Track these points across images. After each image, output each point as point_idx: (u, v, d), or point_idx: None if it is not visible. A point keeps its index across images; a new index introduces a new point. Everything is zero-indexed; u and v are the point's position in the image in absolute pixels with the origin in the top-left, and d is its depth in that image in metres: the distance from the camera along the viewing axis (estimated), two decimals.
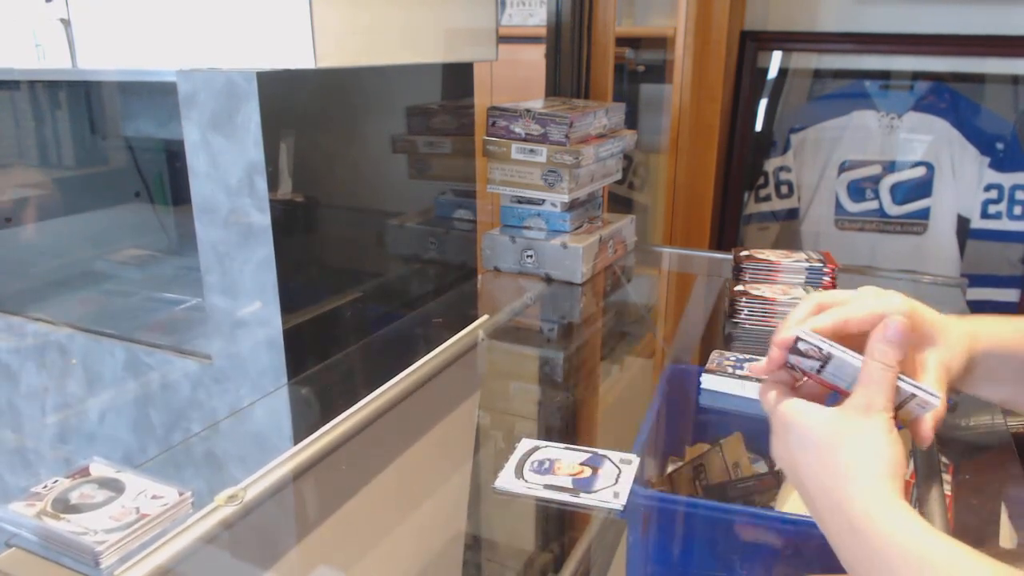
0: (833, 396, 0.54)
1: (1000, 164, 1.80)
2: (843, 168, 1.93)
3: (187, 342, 1.11)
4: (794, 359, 0.53)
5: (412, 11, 0.99)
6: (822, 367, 0.52)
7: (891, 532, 0.43)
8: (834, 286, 1.12)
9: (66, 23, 0.95)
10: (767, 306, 1.06)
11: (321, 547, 0.70)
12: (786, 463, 0.52)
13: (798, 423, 0.50)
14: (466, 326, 1.07)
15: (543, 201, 1.25)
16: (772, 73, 1.97)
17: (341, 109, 1.03)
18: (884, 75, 1.87)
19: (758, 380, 0.57)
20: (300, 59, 0.83)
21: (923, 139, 1.85)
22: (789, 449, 0.51)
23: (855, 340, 0.52)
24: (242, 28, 0.84)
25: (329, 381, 0.99)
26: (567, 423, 0.94)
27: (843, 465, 0.47)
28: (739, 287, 1.10)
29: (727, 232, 2.05)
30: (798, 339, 0.52)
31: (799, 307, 0.56)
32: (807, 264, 1.12)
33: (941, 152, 1.84)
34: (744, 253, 1.17)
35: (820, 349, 0.51)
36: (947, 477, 0.72)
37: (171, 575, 0.59)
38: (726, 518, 0.73)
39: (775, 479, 0.86)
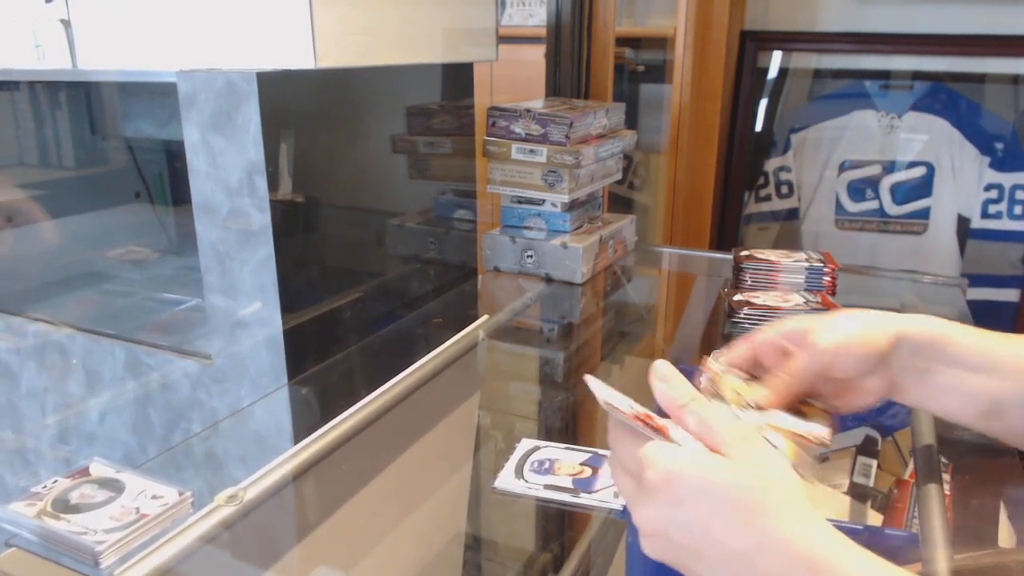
0: None
1: (1000, 164, 1.80)
2: (843, 168, 1.93)
3: (187, 342, 1.11)
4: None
5: (412, 11, 0.99)
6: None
7: (858, 569, 0.40)
8: (834, 286, 1.12)
9: (66, 23, 0.95)
10: (769, 315, 1.06)
11: (321, 547, 0.70)
12: (683, 526, 0.42)
13: (692, 475, 0.42)
14: (466, 326, 1.07)
15: (543, 201, 1.25)
16: (772, 73, 1.97)
17: (341, 109, 1.03)
18: (884, 75, 1.87)
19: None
20: (300, 59, 0.83)
21: (923, 139, 1.85)
22: (689, 508, 0.42)
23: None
24: (242, 28, 0.84)
25: (329, 381, 0.99)
26: (567, 423, 0.94)
27: (779, 507, 0.41)
28: (738, 296, 1.10)
29: (727, 232, 2.05)
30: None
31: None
32: (807, 264, 1.12)
33: (941, 152, 1.84)
34: (744, 253, 1.17)
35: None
36: (946, 477, 0.72)
37: (171, 575, 0.59)
38: None
39: None
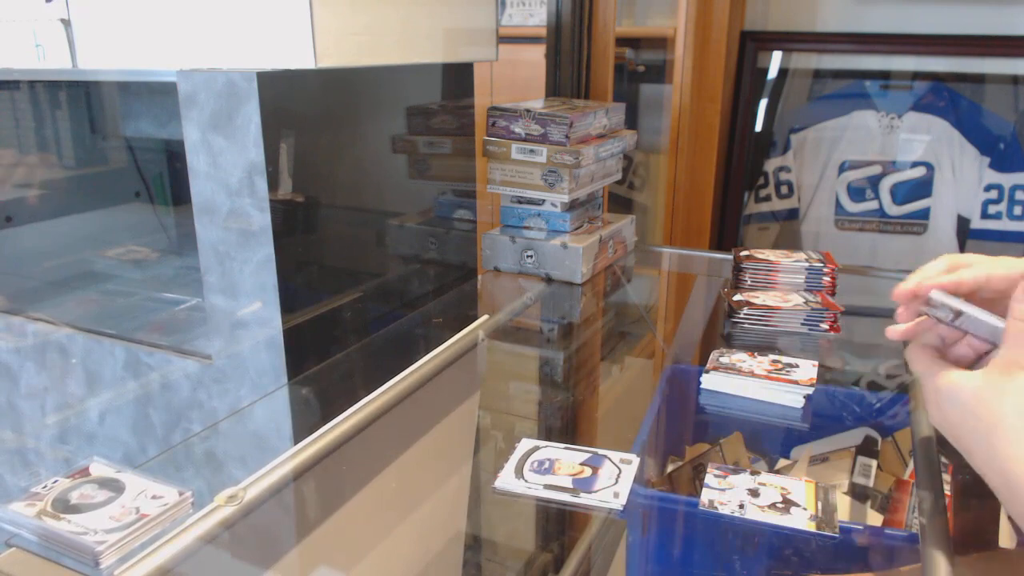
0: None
1: (1000, 164, 1.80)
2: (843, 168, 1.93)
3: (187, 342, 1.11)
4: (928, 311, 0.56)
5: (412, 11, 0.99)
6: (953, 320, 0.56)
7: None
8: (834, 286, 1.12)
9: (66, 23, 0.95)
10: (769, 315, 1.06)
11: (321, 547, 0.70)
12: (939, 422, 0.55)
13: (946, 384, 0.54)
14: (466, 326, 1.07)
15: (543, 201, 1.25)
16: (772, 73, 1.97)
17: (341, 109, 1.03)
18: (884, 75, 1.87)
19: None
20: (300, 59, 0.83)
21: (923, 139, 1.85)
22: (942, 410, 0.54)
23: (992, 302, 0.56)
24: (242, 28, 0.84)
25: (329, 381, 0.99)
26: (567, 423, 0.94)
27: (994, 419, 0.49)
28: (738, 296, 1.10)
29: (727, 232, 2.05)
30: (930, 298, 0.55)
31: (930, 265, 0.58)
32: (807, 264, 1.12)
33: (941, 152, 1.84)
34: (744, 253, 1.17)
35: (952, 308, 0.55)
36: (947, 477, 0.72)
37: (171, 575, 0.59)
38: (726, 518, 0.73)
39: None
